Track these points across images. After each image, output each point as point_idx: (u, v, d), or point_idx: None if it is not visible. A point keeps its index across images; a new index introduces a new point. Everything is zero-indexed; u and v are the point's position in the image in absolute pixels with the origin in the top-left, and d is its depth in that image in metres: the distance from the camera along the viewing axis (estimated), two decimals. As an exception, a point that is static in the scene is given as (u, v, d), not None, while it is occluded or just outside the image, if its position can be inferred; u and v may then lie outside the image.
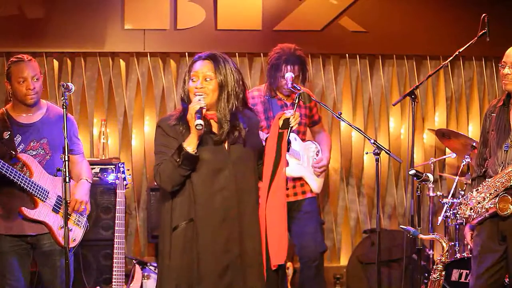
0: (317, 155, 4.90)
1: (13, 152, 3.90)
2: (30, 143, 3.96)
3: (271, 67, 4.71)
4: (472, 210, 3.78)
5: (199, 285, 3.20)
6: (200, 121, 3.12)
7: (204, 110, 3.17)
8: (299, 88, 4.13)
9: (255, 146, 3.38)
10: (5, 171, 3.79)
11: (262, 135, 4.65)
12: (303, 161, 4.81)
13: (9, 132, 3.92)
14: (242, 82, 3.32)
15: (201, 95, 3.22)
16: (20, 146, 3.94)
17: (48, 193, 3.95)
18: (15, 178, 3.83)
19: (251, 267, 3.27)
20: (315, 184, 4.85)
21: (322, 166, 4.85)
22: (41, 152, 3.98)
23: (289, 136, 3.42)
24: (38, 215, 3.93)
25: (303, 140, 4.87)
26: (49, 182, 3.97)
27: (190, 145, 3.16)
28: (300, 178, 4.80)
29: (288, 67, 4.61)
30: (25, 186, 3.86)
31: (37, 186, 3.91)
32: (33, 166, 3.92)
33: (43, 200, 3.94)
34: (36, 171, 3.92)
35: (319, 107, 4.95)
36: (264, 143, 3.48)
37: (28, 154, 3.94)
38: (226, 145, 3.28)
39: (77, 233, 4.08)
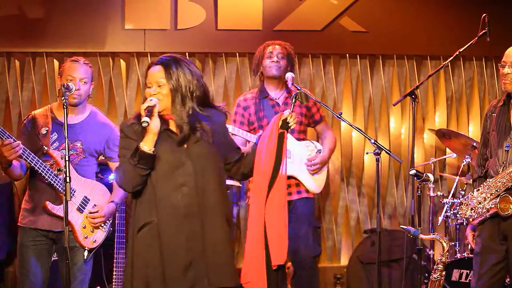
0: (316, 155, 4.89)
1: (46, 148, 3.98)
2: (63, 143, 3.99)
3: (255, 58, 4.86)
4: (473, 210, 3.78)
5: (163, 283, 3.21)
6: (146, 118, 3.19)
7: (155, 109, 3.23)
8: (299, 88, 4.13)
9: (219, 144, 3.39)
10: (34, 164, 3.88)
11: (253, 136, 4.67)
12: (294, 160, 4.76)
13: (47, 129, 4.03)
14: (199, 82, 3.34)
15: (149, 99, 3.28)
16: (55, 144, 4.03)
17: (74, 191, 4.02)
18: (43, 172, 3.91)
19: (215, 264, 3.27)
20: (311, 184, 4.80)
21: (315, 164, 4.78)
22: (73, 153, 4.05)
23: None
24: (61, 212, 3.95)
25: (301, 139, 4.85)
26: (77, 181, 4.02)
27: (146, 144, 3.21)
28: (293, 178, 4.78)
29: (270, 46, 4.77)
30: (52, 182, 3.93)
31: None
32: (63, 164, 3.92)
33: (69, 198, 3.97)
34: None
35: (319, 107, 4.94)
36: (256, 142, 3.53)
37: (61, 151, 4.00)
38: (186, 144, 3.31)
39: (99, 236, 4.11)
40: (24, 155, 3.85)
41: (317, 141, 5.01)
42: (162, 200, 3.26)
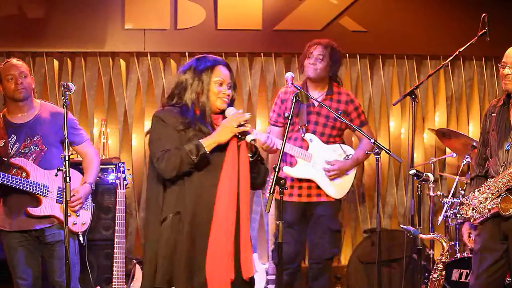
0: (345, 160, 4.80)
1: (6, 159, 4.05)
2: (24, 142, 4.11)
3: (301, 56, 4.83)
4: (474, 210, 3.78)
5: (189, 273, 3.23)
6: (252, 136, 3.27)
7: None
8: (299, 88, 4.12)
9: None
10: (4, 180, 3.95)
11: (263, 134, 4.67)
12: (314, 164, 4.73)
13: (4, 140, 4.07)
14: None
15: (226, 99, 3.35)
16: (16, 145, 4.10)
17: (48, 187, 4.08)
18: (13, 184, 3.98)
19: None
20: (329, 188, 4.75)
21: (332, 170, 4.72)
22: (36, 149, 4.12)
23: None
24: (44, 211, 4.08)
25: (331, 142, 4.79)
26: (47, 176, 4.09)
27: (207, 146, 3.23)
28: (312, 181, 4.76)
29: (315, 45, 4.73)
30: (24, 188, 4.01)
31: (36, 184, 4.05)
32: (28, 166, 4.06)
33: (45, 195, 4.08)
34: (32, 171, 4.06)
35: (361, 112, 4.87)
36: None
37: (23, 152, 4.08)
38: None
39: (85, 216, 4.20)
40: None
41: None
42: (193, 196, 3.26)
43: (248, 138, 3.27)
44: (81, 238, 4.17)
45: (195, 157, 3.21)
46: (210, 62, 3.38)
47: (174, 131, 3.28)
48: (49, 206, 4.07)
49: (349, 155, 4.81)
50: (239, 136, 3.29)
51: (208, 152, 3.23)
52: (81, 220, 4.17)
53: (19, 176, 4.01)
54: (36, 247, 4.15)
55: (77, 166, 4.43)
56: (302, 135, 4.70)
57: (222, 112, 3.37)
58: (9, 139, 4.09)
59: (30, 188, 4.01)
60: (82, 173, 4.30)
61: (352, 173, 4.86)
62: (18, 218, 4.07)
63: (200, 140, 3.24)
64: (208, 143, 3.23)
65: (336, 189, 4.79)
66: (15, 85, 4.07)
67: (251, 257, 3.36)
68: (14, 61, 4.16)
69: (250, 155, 3.35)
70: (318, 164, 4.74)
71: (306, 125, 4.71)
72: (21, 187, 3.99)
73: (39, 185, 4.05)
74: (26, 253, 4.12)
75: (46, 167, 4.09)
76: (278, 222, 4.11)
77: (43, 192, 4.06)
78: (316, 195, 4.77)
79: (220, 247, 3.24)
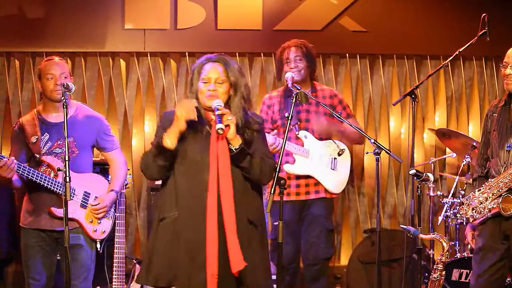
0: (339, 154, 4.86)
1: (37, 156, 4.01)
2: (56, 142, 4.07)
3: (276, 62, 4.86)
4: (474, 210, 3.78)
5: (180, 276, 3.25)
6: (221, 125, 3.18)
7: (226, 115, 3.24)
8: (299, 88, 4.13)
9: (256, 150, 3.40)
10: (31, 177, 3.93)
11: (268, 136, 4.68)
12: (313, 159, 4.78)
13: (37, 137, 4.05)
14: (247, 84, 3.43)
15: (211, 96, 3.29)
16: (48, 144, 4.06)
17: (74, 190, 4.05)
18: (41, 181, 3.95)
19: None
20: (330, 184, 4.80)
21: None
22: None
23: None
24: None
25: (323, 138, 4.84)
26: (74, 179, 4.02)
27: (169, 138, 3.22)
28: (311, 177, 4.78)
29: (290, 50, 4.75)
30: (50, 187, 3.96)
31: (63, 185, 3.96)
32: (58, 166, 4.01)
33: (70, 198, 4.00)
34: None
35: (345, 105, 4.94)
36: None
37: (54, 152, 4.04)
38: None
39: (106, 225, 4.16)
40: (20, 170, 3.91)
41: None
42: (184, 198, 3.28)
43: (216, 126, 3.20)
44: (98, 246, 4.11)
45: (155, 150, 3.25)
46: (198, 62, 3.39)
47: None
48: (72, 209, 4.02)
49: (343, 149, 4.87)
50: (218, 129, 3.22)
51: (171, 144, 3.21)
52: (102, 228, 4.13)
53: (47, 175, 3.97)
54: (53, 249, 4.10)
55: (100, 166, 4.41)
56: (297, 133, 4.75)
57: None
58: (42, 137, 4.05)
59: (56, 188, 3.97)
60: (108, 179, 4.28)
61: (348, 167, 4.93)
62: (40, 216, 4.03)
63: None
64: (168, 134, 3.24)
65: (336, 183, 4.84)
66: (54, 85, 4.01)
67: (239, 251, 3.26)
68: (57, 59, 4.11)
69: (235, 147, 3.28)
70: (316, 159, 4.78)
71: (299, 123, 4.75)
72: (48, 185, 3.95)
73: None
74: (43, 254, 4.07)
75: (74, 170, 4.03)
76: (275, 222, 4.14)
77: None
78: (314, 192, 4.80)
79: (208, 242, 3.23)
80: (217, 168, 3.26)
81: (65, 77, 4.06)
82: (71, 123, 4.07)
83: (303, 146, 4.77)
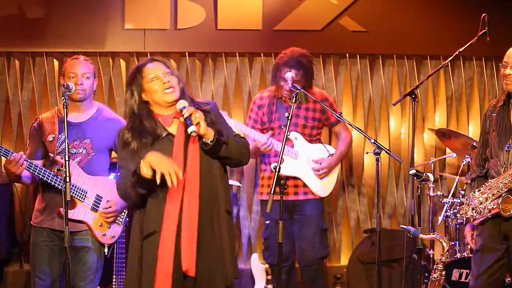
0: (323, 158, 4.86)
1: (51, 155, 4.00)
2: (73, 142, 4.05)
3: (273, 67, 4.81)
4: (474, 211, 3.78)
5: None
6: (194, 128, 3.09)
7: (194, 114, 3.13)
8: (299, 88, 4.13)
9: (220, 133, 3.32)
10: (42, 176, 3.93)
11: (261, 135, 4.67)
12: (301, 161, 4.78)
13: (54, 136, 4.04)
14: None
15: (170, 88, 3.21)
16: (63, 144, 3.99)
17: (86, 193, 4.03)
18: (52, 181, 3.94)
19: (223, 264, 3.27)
20: (316, 187, 4.81)
21: (322, 169, 4.79)
22: (83, 152, 4.07)
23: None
24: (77, 215, 4.02)
25: (314, 141, 4.85)
26: (88, 181, 4.03)
27: (145, 166, 3.08)
28: (298, 179, 4.78)
29: (287, 69, 4.65)
30: (60, 187, 3.93)
31: (75, 187, 4.00)
32: (71, 167, 3.92)
33: (81, 200, 4.02)
34: (74, 172, 3.97)
35: (335, 108, 4.94)
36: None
37: (70, 151, 3.97)
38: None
39: (116, 230, 4.14)
40: (31, 168, 3.91)
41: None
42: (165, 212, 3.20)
43: (189, 130, 3.10)
44: (106, 250, 4.09)
45: (134, 179, 3.13)
46: (134, 70, 3.31)
47: (130, 151, 3.24)
48: (83, 212, 4.01)
49: (332, 154, 4.88)
50: (191, 132, 3.13)
51: (149, 174, 3.07)
52: (111, 233, 4.10)
53: (59, 176, 3.95)
54: (61, 250, 4.06)
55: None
56: (288, 134, 4.75)
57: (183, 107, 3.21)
58: (59, 135, 4.04)
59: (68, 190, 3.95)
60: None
61: (336, 171, 4.93)
62: (51, 216, 4.04)
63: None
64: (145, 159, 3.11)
65: (324, 187, 4.85)
66: (75, 84, 3.99)
67: (193, 250, 3.19)
68: (82, 59, 4.09)
69: (211, 139, 3.16)
70: (304, 162, 4.78)
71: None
72: (59, 186, 3.93)
73: (77, 188, 4.00)
74: (50, 254, 4.07)
75: (89, 172, 4.04)
76: (266, 221, 4.11)
77: (80, 196, 4.01)
78: (303, 193, 4.81)
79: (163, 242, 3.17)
80: (184, 173, 3.16)
81: (87, 77, 4.05)
82: (90, 123, 4.09)
83: (293, 147, 4.77)
